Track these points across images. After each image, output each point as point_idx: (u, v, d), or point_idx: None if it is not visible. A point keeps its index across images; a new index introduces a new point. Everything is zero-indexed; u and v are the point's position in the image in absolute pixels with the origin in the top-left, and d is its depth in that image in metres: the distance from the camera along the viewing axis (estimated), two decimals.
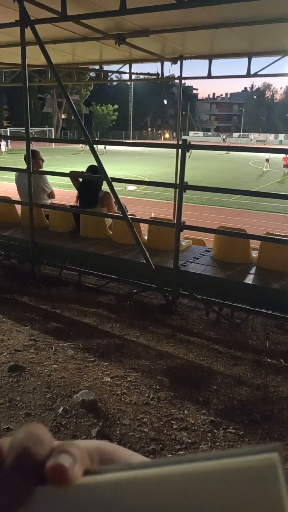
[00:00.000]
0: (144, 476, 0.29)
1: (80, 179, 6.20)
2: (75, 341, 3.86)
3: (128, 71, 8.64)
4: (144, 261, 4.91)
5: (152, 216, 7.39)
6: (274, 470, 0.29)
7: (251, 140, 75.13)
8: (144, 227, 5.77)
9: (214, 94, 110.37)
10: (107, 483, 0.29)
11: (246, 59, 7.32)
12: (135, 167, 31.29)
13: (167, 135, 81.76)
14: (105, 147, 36.27)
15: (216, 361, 3.79)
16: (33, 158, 5.68)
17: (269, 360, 3.90)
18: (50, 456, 0.27)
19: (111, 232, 5.98)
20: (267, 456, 0.29)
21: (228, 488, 0.29)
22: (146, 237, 5.68)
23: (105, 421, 2.70)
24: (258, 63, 7.60)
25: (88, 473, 0.29)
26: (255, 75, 7.58)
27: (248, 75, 7.46)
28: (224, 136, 72.29)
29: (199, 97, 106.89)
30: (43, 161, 6.40)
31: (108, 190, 5.22)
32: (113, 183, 5.01)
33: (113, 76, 10.11)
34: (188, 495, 0.29)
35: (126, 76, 9.13)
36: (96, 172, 5.49)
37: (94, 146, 5.26)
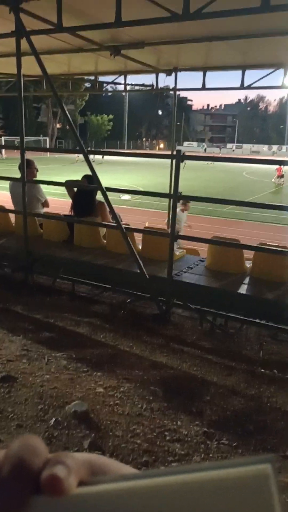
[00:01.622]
0: (139, 487, 0.29)
1: (75, 189, 6.22)
2: (68, 351, 3.84)
3: (123, 82, 8.73)
4: (138, 271, 4.90)
5: (147, 225, 7.41)
6: (267, 481, 0.29)
7: (239, 151, 75.86)
8: (138, 237, 5.78)
9: (208, 105, 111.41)
10: (101, 494, 0.29)
11: (240, 71, 7.43)
12: (130, 176, 31.41)
13: (162, 145, 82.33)
14: (103, 157, 36.42)
15: (210, 371, 3.78)
16: (27, 167, 5.69)
17: (262, 370, 3.89)
18: (46, 466, 0.28)
19: (105, 241, 5.98)
20: (260, 467, 0.30)
21: (221, 499, 0.29)
22: (140, 247, 5.68)
23: (98, 432, 2.68)
24: (252, 75, 7.71)
25: (83, 484, 0.29)
26: (249, 87, 7.68)
27: (242, 87, 7.56)
28: (204, 145, 73.21)
29: (194, 108, 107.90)
30: (37, 170, 6.42)
31: (103, 200, 5.23)
32: (108, 193, 5.03)
33: (108, 87, 10.20)
34: (181, 505, 0.29)
35: (121, 87, 9.23)
36: (91, 181, 5.51)
37: (90, 156, 5.28)
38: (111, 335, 4.36)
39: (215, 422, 2.92)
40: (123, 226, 5.06)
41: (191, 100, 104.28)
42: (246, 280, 4.94)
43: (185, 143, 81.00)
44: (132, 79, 10.00)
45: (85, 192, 5.99)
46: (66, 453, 0.30)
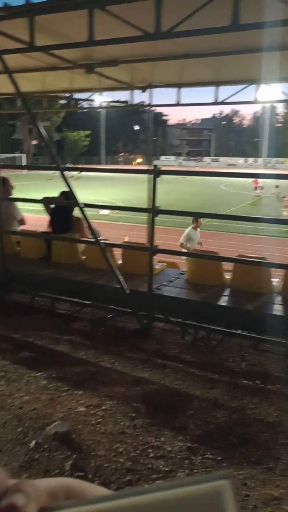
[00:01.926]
0: (99, 510, 0.30)
1: (52, 205, 6.19)
2: (48, 370, 3.77)
3: (98, 98, 8.80)
4: (118, 286, 4.89)
5: (126, 240, 7.42)
6: (224, 498, 0.30)
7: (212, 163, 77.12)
8: (118, 251, 5.77)
9: (184, 119, 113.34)
10: None
11: (214, 87, 7.58)
12: (108, 191, 31.50)
13: (139, 160, 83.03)
14: (79, 172, 36.46)
15: (193, 385, 3.76)
16: (3, 185, 5.64)
17: (245, 382, 3.90)
18: (5, 495, 0.28)
19: (84, 257, 5.95)
20: (218, 484, 0.31)
21: None
22: (120, 261, 5.67)
23: (79, 453, 2.62)
24: (226, 90, 7.87)
25: (44, 510, 0.29)
26: (222, 103, 7.84)
27: (216, 103, 7.71)
28: (180, 160, 74.35)
29: (170, 122, 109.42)
30: (12, 188, 6.36)
31: (81, 216, 5.22)
32: (86, 208, 5.02)
33: (84, 103, 10.25)
34: None
35: (96, 103, 9.28)
36: (68, 197, 5.50)
37: (67, 172, 5.27)
38: (92, 352, 4.31)
39: (198, 436, 2.89)
40: (101, 241, 5.05)
41: (167, 115, 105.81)
42: (226, 292, 4.98)
43: (163, 157, 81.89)
44: (108, 95, 10.09)
45: (62, 209, 5.97)
46: (27, 481, 0.30)
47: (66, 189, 5.24)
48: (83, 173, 36.58)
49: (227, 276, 5.22)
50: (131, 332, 5.01)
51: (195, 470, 2.53)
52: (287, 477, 2.50)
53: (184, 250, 7.80)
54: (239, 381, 3.90)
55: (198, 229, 8.30)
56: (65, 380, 3.61)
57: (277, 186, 26.64)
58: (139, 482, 2.39)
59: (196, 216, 6.55)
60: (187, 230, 8.20)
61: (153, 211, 4.75)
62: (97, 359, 4.17)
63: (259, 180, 28.69)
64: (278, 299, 4.69)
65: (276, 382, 3.88)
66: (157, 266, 5.64)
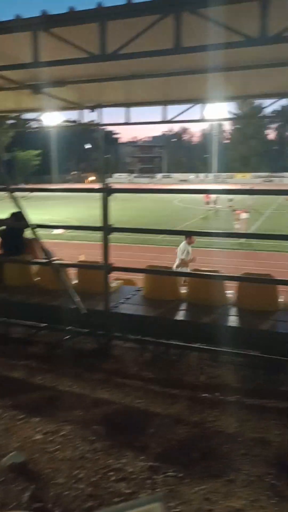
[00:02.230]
0: None
1: (3, 227, 6.05)
2: (1, 399, 3.62)
3: (48, 117, 8.77)
4: (74, 306, 4.82)
5: (82, 259, 7.36)
6: None
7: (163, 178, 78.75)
8: (74, 271, 5.70)
9: (135, 137, 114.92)
10: None
11: (161, 107, 7.77)
12: (62, 210, 31.21)
13: (92, 178, 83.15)
14: (29, 192, 35.94)
15: (153, 402, 3.74)
16: None
17: (205, 395, 3.92)
18: None
19: (38, 278, 5.83)
20: (151, 507, 0.32)
21: None
22: (75, 281, 5.60)
23: (38, 483, 2.52)
24: (174, 109, 8.09)
25: None
26: (170, 121, 8.04)
27: (164, 121, 7.90)
28: (131, 177, 75.95)
29: (122, 140, 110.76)
30: None
31: (33, 236, 5.13)
32: (39, 229, 4.94)
33: (33, 123, 10.18)
34: None
35: (46, 123, 9.24)
36: (20, 218, 5.39)
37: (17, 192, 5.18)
38: (49, 376, 4.20)
39: (160, 454, 2.87)
40: (55, 261, 4.98)
41: (118, 133, 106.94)
42: (183, 306, 5.03)
43: (116, 175, 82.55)
44: (57, 114, 10.08)
45: (13, 230, 5.84)
46: None
47: (16, 209, 5.14)
48: (35, 193, 36.03)
49: (183, 290, 5.29)
50: (89, 352, 4.93)
51: (157, 490, 2.49)
52: (248, 487, 2.52)
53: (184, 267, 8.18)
54: (199, 394, 3.92)
55: (192, 244, 8.66)
56: (20, 408, 3.47)
57: (230, 200, 27.46)
58: (100, 508, 2.33)
59: (149, 232, 6.61)
60: (183, 246, 8.53)
61: (106, 229, 4.75)
62: (55, 383, 4.07)
63: (213, 195, 29.53)
64: (232, 311, 4.79)
65: (235, 393, 3.94)
66: (113, 284, 5.61)
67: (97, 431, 3.12)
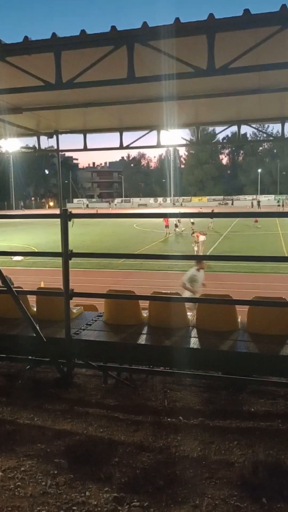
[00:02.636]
0: None
1: None
2: None
3: (5, 143, 8.72)
4: (34, 334, 4.70)
5: (41, 286, 7.23)
6: None
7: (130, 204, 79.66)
8: (33, 298, 5.58)
9: (94, 163, 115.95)
10: None
11: (118, 133, 7.94)
12: (21, 236, 30.72)
13: (51, 203, 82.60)
14: None
15: (117, 430, 3.67)
16: None
17: (168, 419, 3.90)
18: None
19: None
20: None
21: None
22: (35, 308, 5.48)
23: None
24: (130, 135, 8.28)
25: None
26: (128, 147, 8.22)
27: (121, 147, 8.06)
28: (86, 202, 76.68)
29: (80, 166, 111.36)
30: None
31: None
32: None
33: None
34: None
35: (3, 149, 9.18)
36: None
37: None
38: (9, 409, 4.04)
39: (125, 484, 2.80)
40: (14, 289, 4.87)
41: (77, 159, 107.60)
42: (145, 330, 5.02)
43: (75, 200, 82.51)
44: (15, 140, 10.03)
45: None
46: None
47: None
48: None
49: (145, 314, 5.29)
50: (51, 382, 4.80)
51: None
52: (213, 511, 2.50)
53: (188, 291, 7.53)
54: (163, 419, 3.89)
55: (202, 270, 7.96)
56: None
57: (192, 223, 27.99)
58: None
59: (109, 257, 6.61)
60: (190, 272, 7.86)
61: (66, 254, 4.72)
62: (14, 416, 3.91)
63: (174, 218, 30.09)
64: (193, 332, 4.83)
65: (198, 416, 3.94)
66: (74, 310, 5.54)
67: (60, 464, 3.02)
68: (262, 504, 2.56)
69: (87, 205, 74.82)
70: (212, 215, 5.79)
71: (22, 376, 4.96)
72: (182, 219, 31.67)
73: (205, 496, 2.64)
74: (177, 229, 31.03)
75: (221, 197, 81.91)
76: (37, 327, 4.70)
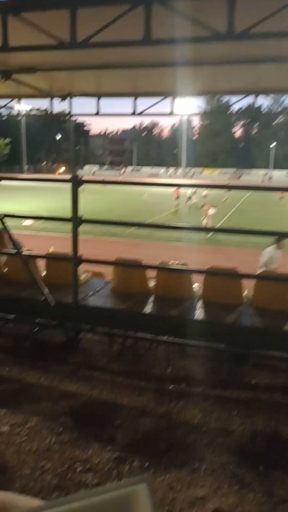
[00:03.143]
0: None
1: None
2: None
3: (17, 105, 8.58)
4: (43, 298, 4.76)
5: (51, 250, 7.26)
6: (140, 500, 0.33)
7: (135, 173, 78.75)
8: (43, 262, 5.63)
9: (106, 130, 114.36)
10: None
11: (131, 102, 7.75)
12: (31, 201, 30.67)
13: (62, 169, 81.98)
14: None
15: (120, 394, 3.77)
16: None
17: (171, 387, 3.98)
18: None
19: (5, 269, 5.72)
20: (136, 488, 0.34)
21: None
22: (44, 273, 5.53)
23: (3, 474, 2.50)
24: (144, 102, 8.09)
25: None
26: (141, 114, 8.04)
27: (135, 114, 7.88)
28: (94, 169, 75.37)
29: (92, 132, 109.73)
30: None
31: (1, 226, 5.02)
32: (8, 219, 4.85)
33: (2, 110, 9.94)
34: None
35: (15, 111, 9.04)
36: None
37: None
38: (16, 369, 4.15)
39: (126, 445, 2.90)
40: (24, 252, 4.90)
41: (89, 125, 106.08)
42: (151, 299, 5.06)
43: (86, 167, 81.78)
44: (28, 102, 9.87)
45: None
46: None
47: None
48: (4, 182, 35.25)
49: (152, 283, 5.32)
50: (57, 345, 4.90)
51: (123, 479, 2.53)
52: (211, 476, 2.59)
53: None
54: (166, 386, 3.98)
55: (280, 249, 7.12)
56: None
57: (204, 196, 27.61)
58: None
59: (119, 225, 6.58)
60: (269, 252, 7.18)
61: (76, 220, 4.71)
62: (22, 375, 4.02)
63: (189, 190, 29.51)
64: (198, 304, 4.87)
65: (200, 385, 4.02)
66: (82, 276, 5.59)
67: (64, 423, 3.12)
68: (259, 472, 2.64)
69: (94, 172, 73.74)
70: (228, 187, 5.71)
71: (30, 337, 5.07)
72: (197, 192, 30.92)
73: (204, 461, 2.73)
74: (189, 201, 30.53)
75: (233, 170, 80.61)
76: (46, 291, 4.76)
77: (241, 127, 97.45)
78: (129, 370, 4.37)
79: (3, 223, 4.80)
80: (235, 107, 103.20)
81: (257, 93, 7.20)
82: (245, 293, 5.00)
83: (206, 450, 2.87)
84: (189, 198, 30.48)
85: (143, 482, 0.34)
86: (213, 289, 4.92)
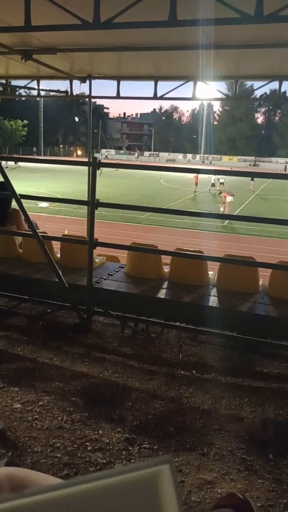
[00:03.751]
0: (36, 502, 0.31)
1: None
2: None
3: (36, 86, 8.54)
4: (57, 280, 4.80)
5: (66, 233, 7.30)
6: (163, 481, 0.33)
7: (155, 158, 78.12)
8: (57, 245, 5.66)
9: (125, 113, 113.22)
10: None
11: (153, 82, 7.65)
12: (47, 183, 30.78)
13: (79, 152, 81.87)
14: (16, 162, 35.20)
15: (131, 377, 3.80)
16: None
17: (182, 372, 4.00)
18: None
19: (21, 250, 5.78)
20: (158, 469, 0.34)
21: (120, 504, 0.32)
22: (58, 255, 5.57)
23: (15, 450, 2.56)
24: (165, 86, 7.98)
25: None
26: (162, 97, 7.94)
27: (155, 97, 7.79)
28: (105, 153, 74.25)
29: (110, 116, 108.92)
30: None
31: (17, 208, 5.05)
32: (24, 200, 4.87)
33: (22, 91, 9.89)
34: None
35: (35, 92, 9.01)
36: (4, 189, 5.29)
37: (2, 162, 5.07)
38: (30, 348, 4.21)
39: (136, 427, 2.93)
40: (40, 234, 4.93)
41: (108, 108, 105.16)
42: (165, 285, 5.06)
43: (103, 150, 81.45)
44: (47, 84, 9.83)
45: None
46: None
47: (1, 180, 5.04)
48: (22, 164, 35.43)
49: (166, 269, 5.32)
50: (70, 326, 4.96)
51: (132, 460, 2.56)
52: (219, 461, 2.61)
53: None
54: (177, 371, 4.00)
55: None
56: (0, 377, 3.49)
57: (222, 183, 27.31)
58: (76, 476, 2.38)
59: (135, 209, 6.54)
60: None
61: (92, 203, 4.71)
62: (35, 355, 4.09)
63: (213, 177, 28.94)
64: (213, 291, 4.85)
65: (211, 371, 4.03)
66: (97, 260, 5.61)
67: (75, 402, 3.17)
68: (268, 459, 2.65)
69: (106, 156, 72.68)
70: (252, 174, 5.63)
71: (43, 318, 5.13)
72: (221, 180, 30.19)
73: (213, 446, 2.75)
74: (213, 188, 30.04)
75: (252, 157, 79.39)
76: (60, 273, 4.79)
77: (262, 114, 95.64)
78: (140, 354, 4.40)
79: (20, 204, 4.83)
80: (257, 93, 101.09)
81: (282, 78, 7.03)
82: (260, 282, 4.97)
83: (216, 435, 2.89)
84: (213, 185, 30.09)
85: (166, 463, 0.34)
86: (228, 276, 4.90)
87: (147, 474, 0.33)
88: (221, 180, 28.07)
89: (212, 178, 29.94)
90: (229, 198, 19.94)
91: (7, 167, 5.33)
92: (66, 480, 0.32)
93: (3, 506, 0.30)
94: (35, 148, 74.89)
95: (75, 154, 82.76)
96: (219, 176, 28.05)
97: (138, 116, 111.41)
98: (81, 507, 0.31)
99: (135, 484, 0.33)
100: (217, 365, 4.30)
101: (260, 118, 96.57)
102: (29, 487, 0.36)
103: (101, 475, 0.33)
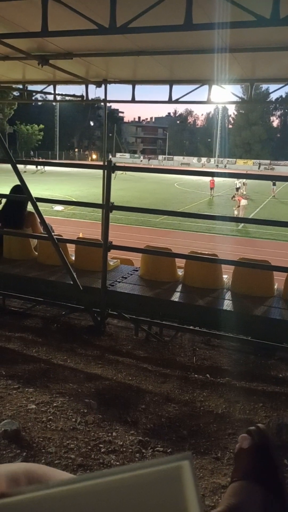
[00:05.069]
0: (60, 493, 0.31)
1: (3, 199, 6.02)
2: None
3: (52, 91, 8.64)
4: (72, 282, 4.83)
5: (80, 236, 7.35)
6: (183, 477, 0.34)
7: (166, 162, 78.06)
8: (71, 248, 5.71)
9: (139, 117, 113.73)
10: (21, 503, 0.30)
11: (168, 86, 7.67)
12: (62, 187, 31.04)
13: (94, 156, 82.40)
14: (36, 166, 35.57)
15: (145, 380, 3.80)
16: None
17: (196, 375, 3.98)
18: None
19: (36, 253, 5.84)
20: (178, 464, 0.34)
21: (143, 496, 0.32)
22: (73, 258, 5.61)
23: (29, 450, 2.58)
24: (180, 89, 7.99)
25: (6, 495, 0.31)
26: (177, 101, 7.95)
27: (170, 101, 7.80)
28: (118, 156, 74.56)
29: (125, 120, 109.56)
30: None
31: (33, 210, 5.11)
32: (40, 203, 4.92)
33: (38, 96, 10.01)
34: (103, 506, 0.31)
35: (51, 97, 9.12)
36: (20, 192, 5.36)
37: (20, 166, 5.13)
38: (44, 350, 4.24)
39: (150, 430, 2.93)
40: (55, 237, 4.98)
41: (123, 112, 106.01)
42: (179, 288, 5.05)
43: (118, 155, 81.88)
44: (63, 89, 9.94)
45: (14, 203, 5.81)
46: None
47: (18, 183, 5.10)
48: (39, 167, 35.80)
49: (180, 272, 5.31)
50: (84, 329, 4.98)
51: None
52: (233, 465, 2.58)
53: None
54: (190, 375, 3.98)
55: None
56: (15, 378, 3.53)
57: (238, 189, 27.11)
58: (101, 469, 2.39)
59: (150, 212, 6.57)
60: None
61: (107, 206, 4.74)
62: (49, 356, 4.11)
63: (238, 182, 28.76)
64: (227, 295, 4.82)
65: (225, 375, 4.00)
66: (111, 263, 5.63)
67: (89, 404, 3.18)
68: (284, 465, 2.61)
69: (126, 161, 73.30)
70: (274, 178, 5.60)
71: (58, 320, 5.16)
72: (224, 183, 30.30)
73: (227, 450, 2.72)
74: (241, 192, 29.66)
75: (268, 161, 78.83)
76: (75, 275, 4.82)
77: (278, 117, 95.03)
78: (154, 357, 4.40)
79: (36, 207, 4.88)
80: (273, 96, 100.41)
81: None
82: (275, 286, 4.92)
83: (230, 440, 2.87)
84: (237, 189, 29.79)
85: (186, 459, 0.35)
86: (243, 280, 4.87)
87: (169, 469, 0.34)
88: (237, 186, 27.87)
89: (237, 182, 29.70)
90: (243, 202, 19.85)
91: (25, 171, 5.39)
92: (91, 472, 0.33)
93: (32, 495, 0.31)
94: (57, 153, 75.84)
95: (90, 158, 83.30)
96: (242, 180, 27.82)
97: (153, 120, 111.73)
98: (108, 498, 0.32)
99: (159, 476, 0.34)
100: (231, 369, 4.27)
101: (275, 121, 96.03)
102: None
103: (128, 468, 0.34)
